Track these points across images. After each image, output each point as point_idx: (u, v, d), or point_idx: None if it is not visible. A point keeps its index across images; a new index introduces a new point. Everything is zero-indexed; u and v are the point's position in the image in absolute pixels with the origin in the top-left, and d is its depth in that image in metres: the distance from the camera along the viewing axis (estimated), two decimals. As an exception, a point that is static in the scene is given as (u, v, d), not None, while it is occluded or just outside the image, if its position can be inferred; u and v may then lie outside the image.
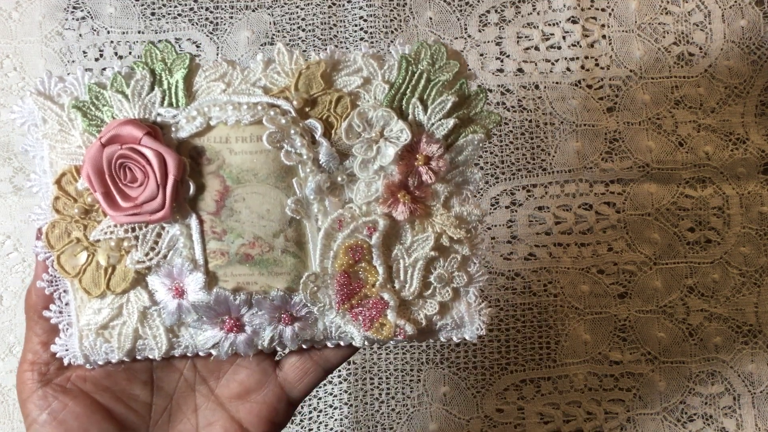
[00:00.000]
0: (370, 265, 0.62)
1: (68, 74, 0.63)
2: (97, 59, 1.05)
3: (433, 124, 0.61)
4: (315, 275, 0.62)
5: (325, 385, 1.05)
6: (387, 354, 1.05)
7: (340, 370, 1.04)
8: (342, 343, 0.65)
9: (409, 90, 0.61)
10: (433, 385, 1.06)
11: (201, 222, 0.61)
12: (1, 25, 1.06)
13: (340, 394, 1.05)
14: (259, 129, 0.60)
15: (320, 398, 1.05)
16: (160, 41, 0.61)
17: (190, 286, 0.61)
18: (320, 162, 0.61)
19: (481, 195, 1.06)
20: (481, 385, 1.06)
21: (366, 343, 0.64)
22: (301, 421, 1.04)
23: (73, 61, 1.05)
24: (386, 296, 0.62)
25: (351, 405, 1.05)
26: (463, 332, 0.65)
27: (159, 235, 0.62)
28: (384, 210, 0.62)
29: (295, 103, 0.60)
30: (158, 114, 0.60)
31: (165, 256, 0.62)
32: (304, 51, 0.62)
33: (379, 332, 0.62)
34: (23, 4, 1.06)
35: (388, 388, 1.05)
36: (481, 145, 0.62)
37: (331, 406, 1.04)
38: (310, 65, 0.60)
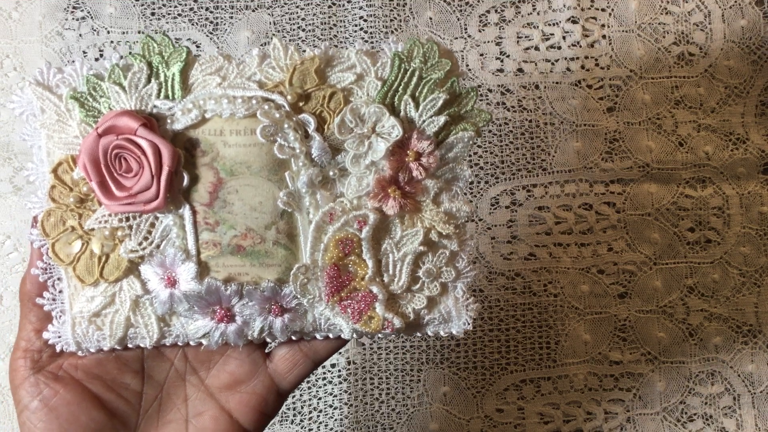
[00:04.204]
0: (360, 259, 0.63)
1: (67, 64, 0.64)
2: (97, 59, 1.06)
3: (424, 121, 0.62)
4: (305, 267, 0.62)
5: (325, 385, 1.05)
6: (387, 354, 1.06)
7: (340, 370, 1.05)
8: (331, 336, 0.66)
9: (401, 87, 0.62)
10: (433, 385, 1.06)
11: (194, 213, 0.62)
12: (1, 25, 1.06)
13: (340, 394, 1.05)
14: (253, 122, 0.60)
15: (320, 398, 1.05)
16: (157, 33, 0.62)
17: (182, 275, 0.62)
18: (313, 156, 0.61)
19: (481, 195, 1.07)
20: (481, 385, 1.06)
21: (354, 335, 0.65)
22: (301, 421, 1.05)
23: (73, 62, 1.05)
24: (375, 289, 0.63)
25: (351, 405, 1.05)
26: (450, 327, 0.66)
27: (152, 225, 0.62)
28: (374, 204, 0.62)
29: (289, 97, 0.61)
30: (154, 106, 0.61)
31: (158, 246, 0.62)
32: (299, 46, 0.62)
33: (368, 325, 0.63)
34: (23, 4, 1.06)
35: (388, 388, 1.06)
36: (471, 142, 0.63)
37: (331, 406, 1.05)
38: (305, 61, 0.61)
